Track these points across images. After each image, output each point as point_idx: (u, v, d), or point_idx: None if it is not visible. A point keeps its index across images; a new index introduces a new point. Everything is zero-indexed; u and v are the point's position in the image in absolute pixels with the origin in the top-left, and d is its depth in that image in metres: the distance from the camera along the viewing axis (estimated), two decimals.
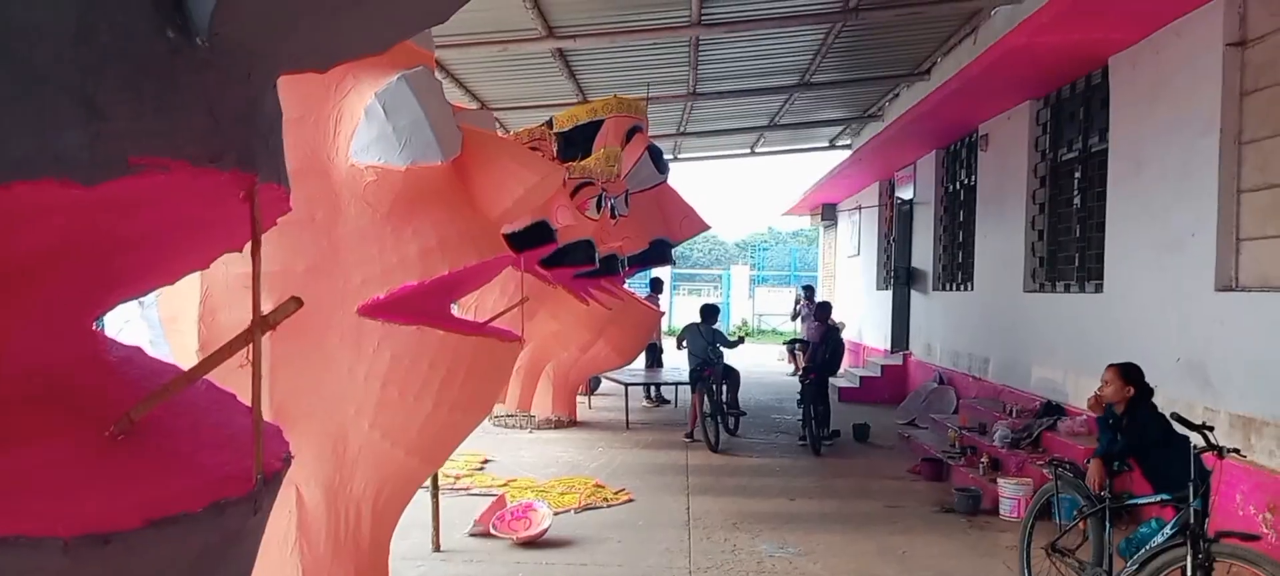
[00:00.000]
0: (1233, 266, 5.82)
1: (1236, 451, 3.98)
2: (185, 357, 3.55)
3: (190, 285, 3.48)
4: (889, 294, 14.91)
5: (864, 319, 17.26)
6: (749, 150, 19.54)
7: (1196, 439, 3.87)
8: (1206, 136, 5.91)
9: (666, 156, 18.91)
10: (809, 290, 16.16)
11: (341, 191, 3.63)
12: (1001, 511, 6.72)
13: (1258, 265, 5.62)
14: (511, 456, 8.70)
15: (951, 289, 11.90)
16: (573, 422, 10.63)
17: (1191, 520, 3.72)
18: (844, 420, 10.62)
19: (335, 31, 1.19)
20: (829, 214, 20.99)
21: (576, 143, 9.72)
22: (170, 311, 3.52)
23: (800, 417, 9.77)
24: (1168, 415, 4.13)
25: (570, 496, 6.95)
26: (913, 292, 13.73)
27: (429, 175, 3.71)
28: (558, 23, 9.36)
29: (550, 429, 10.27)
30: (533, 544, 5.78)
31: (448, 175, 3.85)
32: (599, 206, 7.23)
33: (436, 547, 5.61)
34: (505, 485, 7.31)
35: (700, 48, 10.82)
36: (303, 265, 3.56)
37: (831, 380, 14.74)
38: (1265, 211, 5.54)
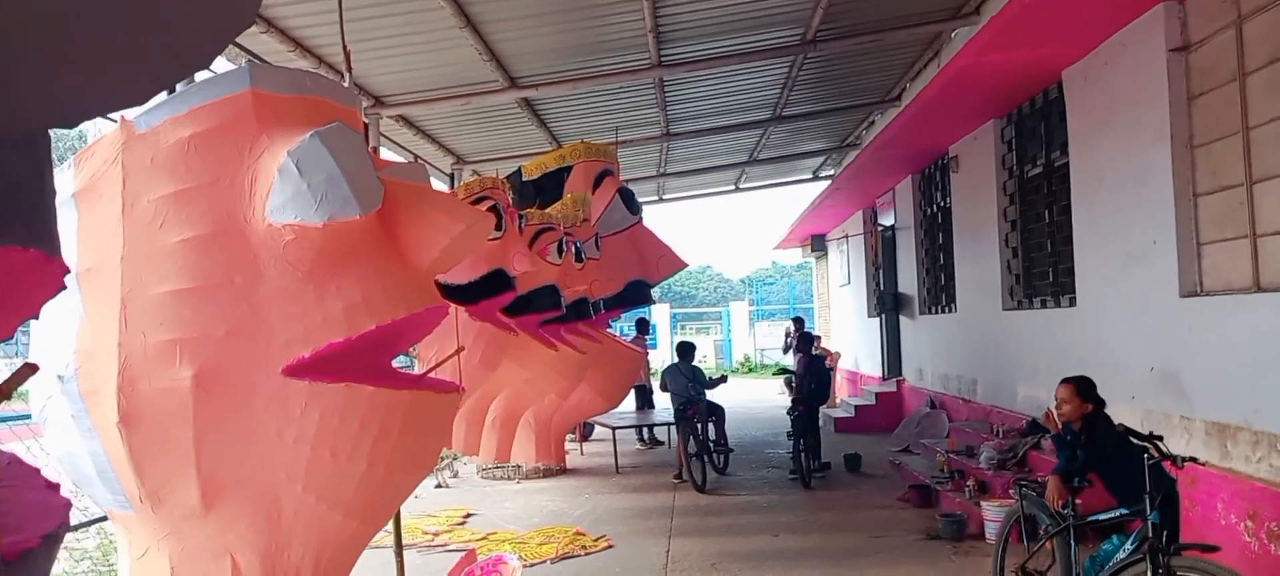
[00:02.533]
0: (1196, 272, 5.74)
1: (1193, 459, 3.88)
2: (108, 430, 3.50)
3: (108, 356, 3.43)
4: (880, 321, 14.81)
5: (859, 347, 17.15)
6: (733, 187, 19.59)
7: (1159, 450, 3.77)
8: (1159, 143, 5.86)
9: (650, 198, 19.03)
10: (799, 322, 16.05)
11: (260, 253, 3.59)
12: (987, 535, 6.57)
13: (1219, 270, 5.54)
14: (495, 508, 8.58)
15: (937, 312, 11.81)
16: (562, 470, 10.51)
17: (1150, 533, 3.61)
18: (838, 450, 10.48)
19: (58, 92, 1.14)
20: (819, 244, 20.94)
21: (546, 190, 9.73)
22: (91, 385, 3.46)
23: (791, 452, 9.64)
24: (1119, 427, 4.04)
25: (548, 546, 6.83)
26: (901, 318, 13.65)
27: (350, 231, 3.66)
28: (519, 73, 9.41)
29: (538, 478, 10.15)
30: None
31: (372, 229, 3.81)
32: (561, 250, 7.18)
33: None
34: (484, 538, 7.19)
35: (666, 89, 10.86)
36: (223, 330, 3.51)
37: (827, 411, 14.66)
38: (1221, 215, 5.48)
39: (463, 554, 6.26)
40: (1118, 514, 3.91)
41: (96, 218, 3.55)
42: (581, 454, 12.03)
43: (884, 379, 14.42)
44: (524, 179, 9.76)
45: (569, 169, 9.76)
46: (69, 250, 3.56)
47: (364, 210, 3.63)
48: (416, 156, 12.05)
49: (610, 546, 6.91)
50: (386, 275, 3.80)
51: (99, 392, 3.45)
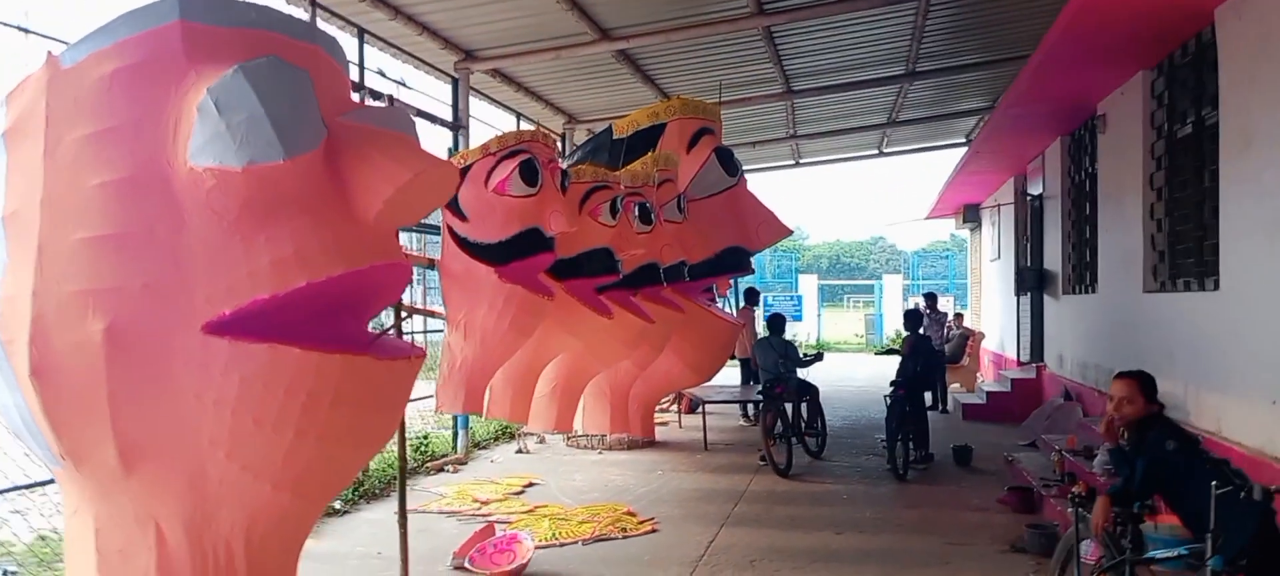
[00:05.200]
0: None
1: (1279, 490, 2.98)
2: (24, 383, 3.34)
3: (25, 305, 3.27)
4: (1026, 299, 13.46)
5: (1005, 328, 15.75)
6: (877, 150, 18.49)
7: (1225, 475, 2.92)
8: None
9: (785, 161, 18.16)
10: (930, 298, 14.85)
11: (184, 200, 3.31)
12: (1081, 553, 5.63)
13: None
14: (563, 480, 8.29)
15: (1079, 291, 10.52)
16: (649, 444, 10.09)
17: None
18: (955, 440, 9.52)
19: None
20: (972, 215, 19.39)
21: (638, 149, 9.22)
22: (8, 335, 3.31)
23: (884, 438, 8.82)
24: (1175, 444, 3.18)
25: (587, 525, 6.44)
26: (1045, 297, 12.32)
27: (283, 177, 3.33)
28: (610, 24, 8.96)
29: (622, 450, 9.79)
30: None
31: (313, 177, 3.46)
32: (614, 212, 6.66)
33: None
34: (530, 511, 6.90)
35: (776, 40, 10.12)
36: (139, 282, 3.26)
37: (958, 396, 13.52)
38: None
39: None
40: (1177, 552, 3.07)
41: (21, 159, 3.38)
42: (680, 426, 11.58)
43: (1022, 364, 13.12)
44: (614, 137, 9.30)
45: (662, 127, 9.20)
46: None
47: (289, 154, 3.28)
48: (520, 116, 11.86)
49: (655, 530, 6.44)
50: (327, 227, 3.45)
51: (15, 343, 3.30)
